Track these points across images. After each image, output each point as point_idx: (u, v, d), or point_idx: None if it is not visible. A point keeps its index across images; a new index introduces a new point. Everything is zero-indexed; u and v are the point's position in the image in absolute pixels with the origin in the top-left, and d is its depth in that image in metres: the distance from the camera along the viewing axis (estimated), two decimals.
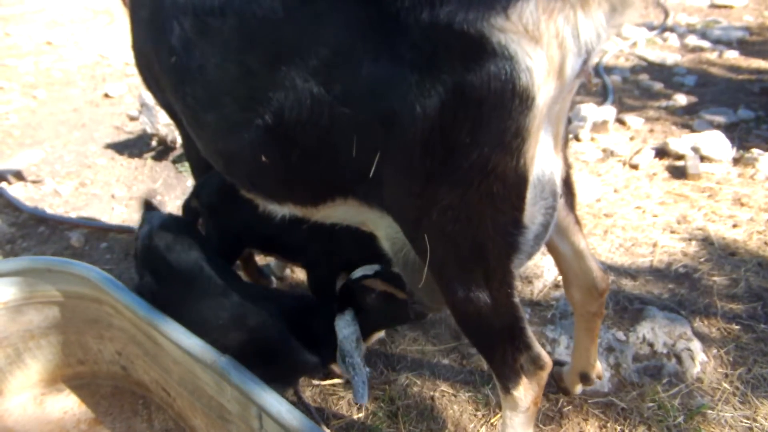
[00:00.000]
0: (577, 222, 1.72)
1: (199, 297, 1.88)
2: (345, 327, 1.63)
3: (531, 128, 1.18)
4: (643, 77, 5.21)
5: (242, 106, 1.49)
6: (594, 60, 1.35)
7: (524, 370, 1.55)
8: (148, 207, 2.19)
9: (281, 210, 1.73)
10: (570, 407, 2.11)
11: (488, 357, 1.59)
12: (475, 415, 2.13)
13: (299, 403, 2.24)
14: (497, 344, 1.52)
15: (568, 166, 1.63)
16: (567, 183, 1.64)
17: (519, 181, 1.26)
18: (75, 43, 7.57)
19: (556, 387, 2.17)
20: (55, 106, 5.42)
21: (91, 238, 3.38)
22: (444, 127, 1.20)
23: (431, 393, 2.23)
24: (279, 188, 1.66)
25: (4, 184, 3.96)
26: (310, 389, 2.29)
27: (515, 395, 1.58)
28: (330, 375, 2.32)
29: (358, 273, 1.72)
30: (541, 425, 2.06)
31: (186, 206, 2.27)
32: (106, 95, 5.63)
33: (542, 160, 1.35)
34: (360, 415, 2.18)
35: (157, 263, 1.94)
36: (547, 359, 1.56)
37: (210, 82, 1.56)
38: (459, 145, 1.20)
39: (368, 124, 1.31)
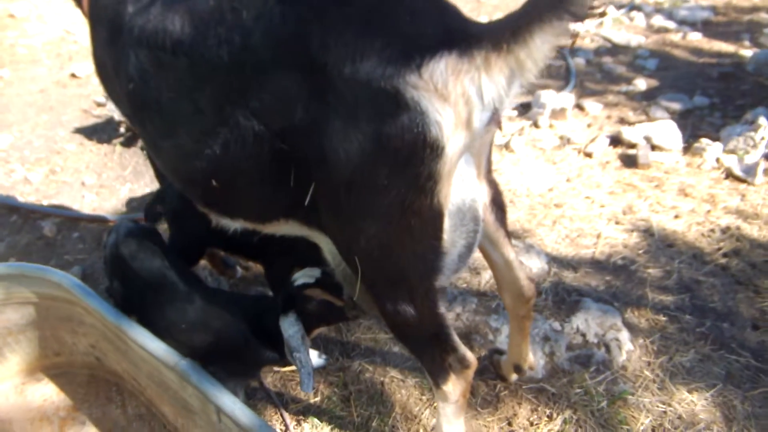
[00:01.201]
0: (507, 236, 1.90)
1: (164, 302, 2.04)
2: (289, 327, 1.81)
3: (442, 172, 1.35)
4: (607, 60, 5.35)
5: (194, 139, 1.63)
6: (503, 110, 1.51)
7: (452, 368, 1.75)
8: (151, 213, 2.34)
9: (233, 224, 1.88)
10: (506, 392, 2.34)
11: (419, 358, 1.79)
12: (420, 399, 2.35)
13: (261, 389, 2.44)
14: (426, 348, 1.72)
15: (494, 188, 1.80)
16: (496, 201, 1.82)
17: (434, 216, 1.43)
18: (39, 17, 7.42)
19: (495, 374, 2.39)
20: (21, 87, 5.41)
21: (63, 228, 3.49)
22: (364, 170, 1.37)
23: (382, 378, 2.44)
24: (229, 208, 1.82)
25: None
26: (272, 375, 2.49)
27: (445, 390, 1.78)
28: (289, 362, 2.51)
29: (299, 279, 1.87)
30: (479, 408, 2.29)
31: (148, 210, 2.40)
32: (73, 75, 5.61)
33: (463, 190, 1.52)
34: (316, 399, 2.39)
35: (123, 271, 2.09)
36: (471, 359, 1.76)
37: (165, 113, 1.69)
38: (378, 186, 1.37)
39: (303, 160, 1.47)
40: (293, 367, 2.53)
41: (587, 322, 2.52)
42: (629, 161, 3.83)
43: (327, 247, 1.76)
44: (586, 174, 3.74)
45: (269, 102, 1.46)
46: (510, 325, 2.16)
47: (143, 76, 1.70)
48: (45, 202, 3.77)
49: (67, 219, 3.56)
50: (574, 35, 1.23)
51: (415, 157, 1.31)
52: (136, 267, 2.07)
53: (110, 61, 1.92)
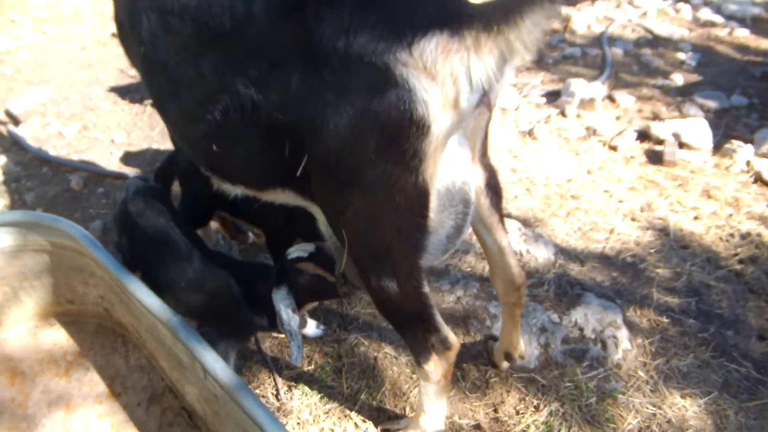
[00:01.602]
0: (501, 221, 1.89)
1: (165, 260, 2.12)
2: (281, 300, 1.86)
3: (428, 151, 1.36)
4: (645, 51, 5.18)
5: (196, 103, 1.68)
6: (495, 94, 1.50)
7: (434, 348, 1.78)
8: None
9: (234, 190, 1.94)
10: (496, 379, 2.35)
11: (402, 335, 1.82)
12: (410, 378, 2.38)
13: (258, 352, 2.51)
14: (408, 325, 1.74)
15: (490, 172, 1.80)
16: (491, 185, 1.81)
17: (419, 194, 1.44)
18: None
19: (487, 360, 2.41)
20: (64, 44, 5.56)
21: (90, 182, 3.62)
22: (353, 143, 1.39)
23: (375, 354, 2.48)
24: (230, 173, 1.87)
25: (12, 124, 4.18)
26: (270, 340, 2.55)
27: (426, 369, 1.81)
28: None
29: (293, 253, 1.92)
30: (467, 392, 2.31)
31: (160, 171, 2.47)
32: (114, 35, 5.72)
33: (453, 172, 1.53)
34: (310, 367, 2.45)
35: (131, 227, 2.17)
36: (453, 341, 1.78)
37: (171, 76, 1.74)
38: (366, 160, 1.39)
39: (297, 131, 1.50)
40: None
41: (586, 317, 2.50)
42: (655, 158, 3.73)
43: (321, 218, 1.80)
44: (608, 167, 3.66)
45: (267, 71, 1.49)
46: (501, 312, 2.16)
47: (153, 40, 1.75)
48: (75, 157, 3.90)
49: (94, 174, 3.69)
50: (566, 19, 1.22)
51: (401, 135, 1.33)
52: (142, 224, 2.15)
53: (128, 23, 1.97)
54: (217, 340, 2.13)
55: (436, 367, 1.81)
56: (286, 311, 1.86)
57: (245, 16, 1.49)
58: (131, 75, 4.91)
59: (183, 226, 2.18)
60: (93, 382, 2.41)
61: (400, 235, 1.52)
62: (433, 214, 1.51)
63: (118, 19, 2.21)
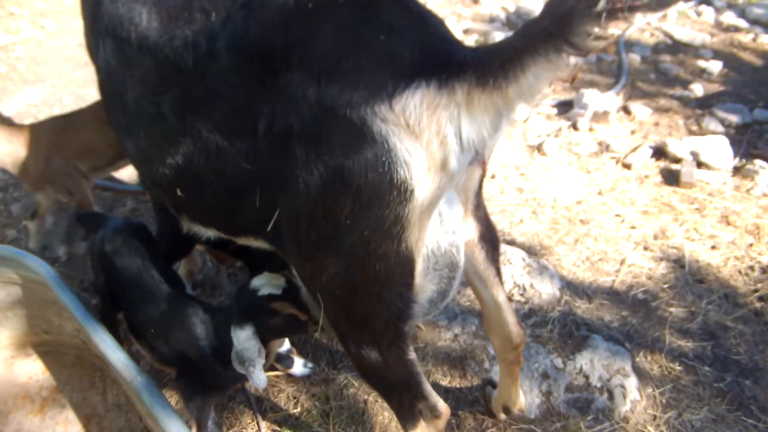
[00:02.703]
0: (498, 274, 1.73)
1: (139, 303, 1.97)
2: (245, 340, 1.68)
3: (411, 218, 1.19)
4: (665, 58, 4.93)
5: (156, 145, 1.52)
6: (490, 150, 1.32)
7: (422, 415, 1.62)
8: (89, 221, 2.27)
9: (206, 232, 1.77)
10: (494, 429, 2.19)
11: (387, 400, 1.66)
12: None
13: (241, 391, 2.37)
14: (394, 393, 1.59)
15: (485, 224, 1.63)
16: (486, 238, 1.65)
17: (402, 262, 1.27)
18: None
19: (485, 407, 2.25)
20: (61, 39, 5.40)
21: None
22: (325, 205, 1.22)
23: (365, 397, 2.33)
24: (197, 217, 1.71)
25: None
26: None
27: None
28: (273, 367, 2.43)
29: (263, 288, 1.71)
30: None
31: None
32: None
33: (438, 234, 1.36)
34: (296, 410, 2.30)
35: (108, 267, 2.03)
36: (443, 409, 1.62)
37: (128, 113, 1.57)
38: (340, 224, 1.22)
39: (266, 182, 1.33)
40: (278, 373, 2.45)
41: (592, 363, 2.33)
42: (671, 178, 3.53)
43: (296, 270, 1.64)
44: (621, 188, 3.46)
45: (231, 115, 1.32)
46: (499, 367, 2.00)
47: (108, 70, 1.59)
48: None
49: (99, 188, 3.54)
50: (575, 70, 1.03)
51: (380, 199, 1.16)
52: (119, 264, 2.00)
53: (91, 45, 1.81)
54: (192, 393, 1.99)
55: None
56: (250, 351, 1.67)
57: (208, 53, 1.32)
58: None
59: (159, 266, 2.03)
60: (68, 421, 2.29)
61: (381, 304, 1.35)
62: (417, 279, 1.35)
63: (86, 37, 2.04)
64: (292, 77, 1.18)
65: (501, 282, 1.77)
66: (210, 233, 1.77)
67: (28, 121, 4.13)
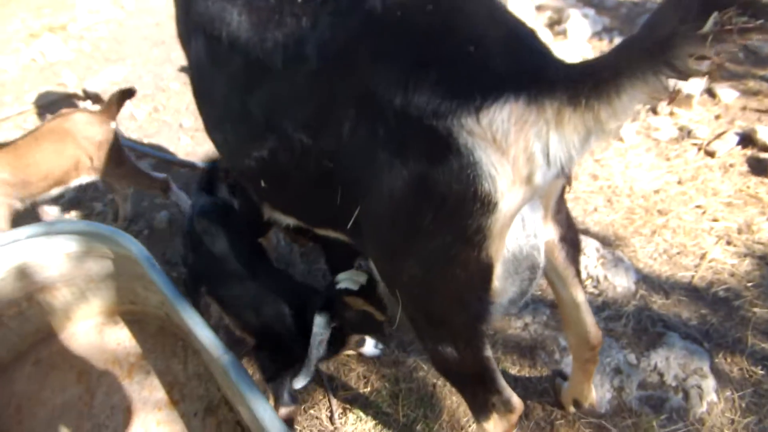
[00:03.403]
0: (578, 274, 1.70)
1: (226, 279, 2.07)
2: (318, 326, 1.75)
3: (493, 229, 1.18)
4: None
5: (242, 139, 1.56)
6: (573, 168, 1.29)
7: (495, 408, 1.63)
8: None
9: (286, 220, 1.83)
10: (562, 421, 2.18)
11: (460, 393, 1.68)
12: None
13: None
14: (468, 386, 1.61)
15: (566, 225, 1.60)
16: (567, 239, 1.62)
17: (482, 269, 1.27)
18: None
19: (554, 399, 2.24)
20: (140, 19, 5.60)
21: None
22: (408, 210, 1.23)
23: (434, 380, 2.36)
24: (279, 206, 1.76)
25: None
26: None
27: (485, 426, 1.67)
28: (344, 348, 2.50)
29: (343, 282, 1.77)
30: None
31: (210, 169, 2.40)
32: None
33: (521, 238, 1.35)
34: (366, 390, 2.37)
35: (196, 245, 2.14)
36: (517, 404, 1.62)
37: (216, 106, 1.62)
38: (422, 229, 1.23)
39: (349, 181, 1.35)
40: (349, 352, 2.52)
41: (668, 361, 2.27)
42: (759, 168, 3.32)
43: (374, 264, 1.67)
44: (703, 177, 3.30)
45: (317, 117, 1.34)
46: (573, 363, 1.98)
47: (198, 63, 1.64)
48: (145, 140, 3.94)
49: (162, 161, 3.71)
50: (674, 93, 0.98)
51: (463, 209, 1.16)
52: (206, 243, 2.11)
53: (184, 35, 1.87)
54: (272, 365, 2.08)
55: (495, 426, 1.67)
56: (315, 337, 1.75)
57: (296, 56, 1.34)
58: None
59: (248, 243, 2.13)
60: (153, 387, 2.44)
61: (460, 306, 1.37)
62: (496, 283, 1.35)
63: (177, 25, 2.11)
64: (379, 84, 1.19)
65: (581, 282, 1.74)
66: (290, 221, 1.83)
67: None
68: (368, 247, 1.48)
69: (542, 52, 1.18)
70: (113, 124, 2.97)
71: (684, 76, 0.91)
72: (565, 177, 1.26)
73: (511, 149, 1.08)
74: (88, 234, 2.28)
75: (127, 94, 3.01)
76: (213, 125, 1.72)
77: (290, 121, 1.39)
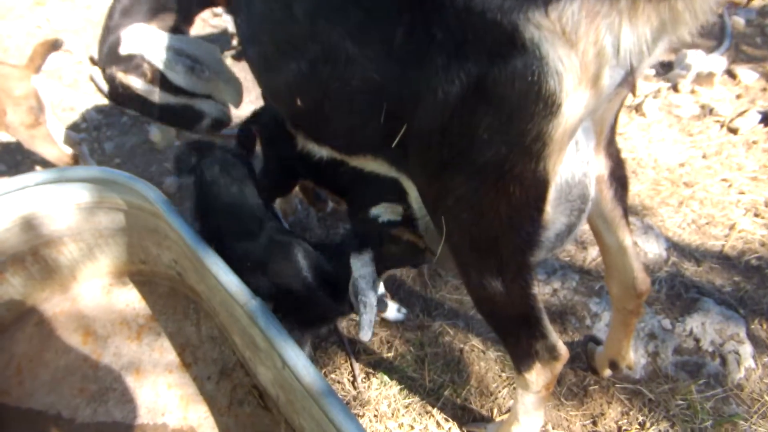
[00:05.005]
0: (625, 216, 1.61)
1: (235, 235, 1.94)
2: (362, 267, 1.64)
3: (554, 135, 1.09)
4: None
5: (280, 49, 1.46)
6: (641, 72, 1.20)
7: (539, 356, 1.54)
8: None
9: (319, 151, 1.72)
10: (596, 386, 2.10)
11: (503, 338, 1.58)
12: (500, 376, 2.16)
13: (334, 333, 2.35)
14: (511, 329, 1.51)
15: (616, 161, 1.52)
16: (616, 176, 1.54)
17: (538, 184, 1.18)
18: None
19: (586, 364, 2.16)
20: None
21: (168, 135, 3.52)
22: (463, 118, 1.14)
23: (461, 345, 2.27)
24: (315, 133, 1.66)
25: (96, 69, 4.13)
26: (347, 321, 2.39)
27: (527, 377, 1.58)
28: None
29: (383, 216, 1.67)
30: (563, 399, 2.08)
31: (242, 131, 2.28)
32: None
33: (573, 163, 1.26)
34: (389, 354, 2.27)
35: (206, 195, 2.00)
36: (563, 351, 1.53)
37: (253, 16, 1.52)
38: (476, 139, 1.14)
39: (397, 96, 1.26)
40: None
41: (704, 327, 2.19)
42: None
43: (414, 194, 1.57)
44: (727, 152, 3.23)
45: (367, 23, 1.24)
46: (613, 317, 1.89)
47: None
48: None
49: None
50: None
51: (524, 111, 1.06)
52: (216, 193, 1.98)
53: None
54: (289, 327, 1.96)
55: (538, 376, 1.58)
56: (365, 279, 1.64)
57: None
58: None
59: (257, 197, 2.00)
60: (163, 348, 2.32)
61: (511, 229, 1.26)
62: (549, 206, 1.26)
63: None
64: None
65: (628, 224, 1.65)
66: (324, 152, 1.72)
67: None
68: (413, 169, 1.38)
69: None
70: (36, 79, 2.81)
71: None
72: (629, 87, 1.17)
73: (580, 42, 0.99)
74: (101, 182, 2.16)
75: (53, 46, 2.84)
76: (248, 38, 1.61)
77: (337, 27, 1.29)
